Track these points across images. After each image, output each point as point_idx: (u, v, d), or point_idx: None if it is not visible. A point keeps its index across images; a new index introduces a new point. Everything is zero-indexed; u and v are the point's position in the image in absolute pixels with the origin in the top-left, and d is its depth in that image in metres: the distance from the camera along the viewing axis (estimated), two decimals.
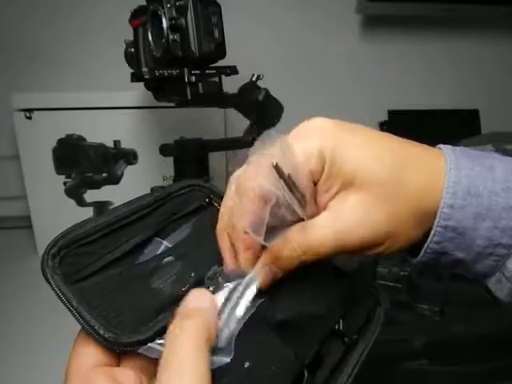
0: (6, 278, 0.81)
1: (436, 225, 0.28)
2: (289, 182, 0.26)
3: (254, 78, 0.69)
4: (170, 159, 0.74)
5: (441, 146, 0.30)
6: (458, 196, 0.28)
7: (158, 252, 0.32)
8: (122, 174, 0.88)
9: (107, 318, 0.26)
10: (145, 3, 0.61)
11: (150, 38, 0.60)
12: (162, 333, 0.26)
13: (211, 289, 0.29)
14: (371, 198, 0.28)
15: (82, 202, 0.88)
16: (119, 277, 0.29)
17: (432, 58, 1.05)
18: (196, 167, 0.73)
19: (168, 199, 0.35)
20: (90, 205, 0.88)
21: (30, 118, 0.83)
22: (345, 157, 0.28)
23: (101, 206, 0.88)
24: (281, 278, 0.29)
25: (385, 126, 1.03)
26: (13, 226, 0.95)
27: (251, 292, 0.28)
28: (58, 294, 0.26)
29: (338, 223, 0.28)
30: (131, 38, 0.64)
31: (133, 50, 0.65)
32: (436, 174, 0.28)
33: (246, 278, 0.28)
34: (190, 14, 0.57)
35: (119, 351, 0.26)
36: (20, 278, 0.81)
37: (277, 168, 0.26)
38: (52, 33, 0.89)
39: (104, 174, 0.87)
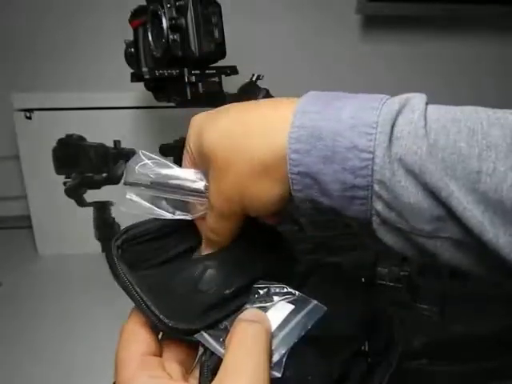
0: (6, 277, 0.81)
1: (289, 172, 0.28)
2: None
3: (254, 78, 0.68)
4: (170, 159, 0.74)
5: (309, 92, 0.30)
6: (302, 140, 0.27)
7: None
8: (122, 174, 0.88)
9: (166, 306, 0.28)
10: (145, 3, 0.61)
11: (150, 37, 0.60)
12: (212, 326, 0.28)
13: (258, 303, 0.30)
14: (216, 170, 0.30)
15: (82, 202, 0.88)
16: (171, 275, 0.31)
17: (432, 58, 1.05)
18: None
19: None
20: (90, 205, 0.88)
21: (29, 118, 0.83)
22: (202, 141, 0.31)
23: (101, 206, 0.88)
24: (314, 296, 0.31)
25: None
26: (13, 226, 0.95)
27: (309, 324, 0.28)
28: (122, 280, 0.28)
29: (209, 202, 0.31)
30: (131, 37, 0.64)
31: (133, 50, 0.65)
32: (283, 122, 0.28)
33: (310, 306, 0.29)
34: (190, 14, 0.57)
35: (165, 343, 0.28)
36: (20, 277, 0.81)
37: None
38: (52, 33, 0.89)
39: (104, 174, 0.87)
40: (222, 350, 0.27)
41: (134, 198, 0.32)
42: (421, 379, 0.57)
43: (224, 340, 0.27)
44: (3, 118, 0.86)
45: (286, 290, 0.31)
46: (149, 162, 0.32)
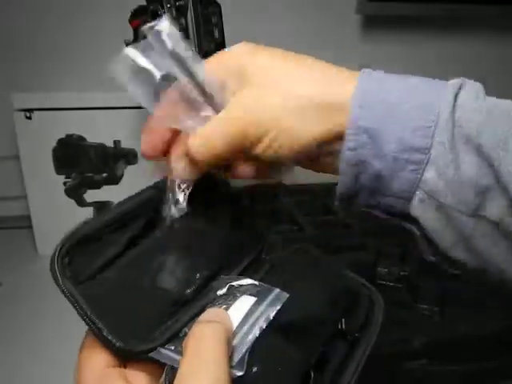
0: (6, 277, 0.81)
1: (348, 127, 0.27)
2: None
3: None
4: None
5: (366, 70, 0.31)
6: (368, 97, 0.27)
7: (161, 242, 0.31)
8: (122, 174, 0.88)
9: (119, 326, 0.26)
10: (145, 3, 0.61)
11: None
12: (171, 339, 0.26)
13: (219, 301, 0.29)
14: (261, 91, 0.28)
15: (82, 202, 0.88)
16: (125, 274, 0.29)
17: (432, 58, 1.05)
18: None
19: None
20: (90, 205, 0.88)
21: (29, 118, 0.83)
22: (253, 62, 0.30)
23: (101, 206, 0.88)
24: (283, 281, 0.29)
25: None
26: (13, 226, 0.95)
27: (271, 314, 0.27)
28: (70, 300, 0.26)
29: (225, 113, 0.29)
30: (131, 37, 0.64)
31: None
32: (349, 80, 0.29)
33: (272, 295, 0.28)
34: (190, 14, 0.57)
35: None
36: (20, 277, 0.81)
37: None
38: (52, 33, 0.89)
39: (104, 174, 0.87)
40: (176, 357, 0.25)
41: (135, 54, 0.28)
42: (421, 379, 0.57)
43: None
44: (3, 118, 0.86)
45: (247, 282, 0.29)
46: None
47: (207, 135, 0.29)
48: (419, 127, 0.27)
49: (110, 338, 0.25)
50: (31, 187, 0.86)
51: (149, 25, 0.27)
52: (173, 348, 0.26)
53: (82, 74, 0.91)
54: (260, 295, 0.28)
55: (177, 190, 0.31)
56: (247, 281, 0.30)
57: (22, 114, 0.82)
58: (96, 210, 0.88)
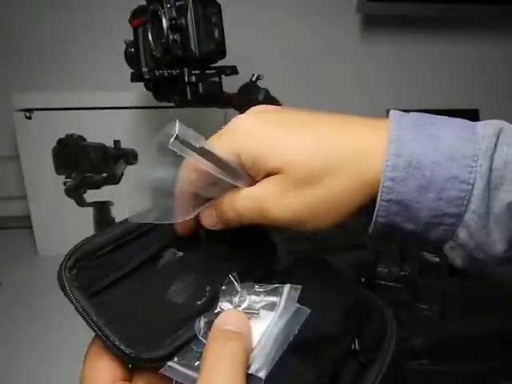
0: (6, 278, 0.81)
1: (379, 199, 0.28)
2: (217, 160, 0.28)
3: (253, 78, 0.69)
4: None
5: (391, 113, 0.29)
6: (399, 169, 0.27)
7: (172, 263, 0.31)
8: (122, 174, 0.88)
9: (127, 333, 0.25)
10: (145, 3, 0.61)
11: (150, 38, 0.60)
12: (180, 348, 0.26)
13: (238, 305, 0.28)
14: (292, 182, 0.28)
15: (82, 202, 0.88)
16: (136, 289, 0.29)
17: (432, 58, 1.05)
18: None
19: None
20: (90, 205, 0.88)
21: (29, 118, 0.83)
22: (270, 151, 0.29)
23: (101, 206, 0.88)
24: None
25: None
26: (13, 226, 0.95)
27: (296, 329, 0.27)
28: (77, 309, 0.26)
29: (259, 196, 0.29)
30: (131, 37, 0.64)
31: (133, 50, 0.65)
32: (376, 149, 0.28)
33: (292, 311, 0.27)
34: (190, 14, 0.57)
35: (135, 366, 0.26)
36: (20, 277, 0.81)
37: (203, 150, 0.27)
38: (52, 33, 0.89)
39: (104, 174, 0.87)
40: (194, 375, 0.24)
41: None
42: (421, 379, 0.57)
43: (197, 361, 0.25)
44: (3, 118, 0.86)
45: (267, 288, 0.29)
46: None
47: (235, 207, 0.30)
48: (453, 197, 0.27)
49: (117, 343, 0.25)
50: (31, 187, 0.86)
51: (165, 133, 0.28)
52: (186, 363, 0.25)
53: (82, 74, 0.91)
54: (280, 309, 0.27)
55: None
56: (266, 287, 0.29)
57: (22, 114, 0.82)
58: (96, 210, 0.88)
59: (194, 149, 0.27)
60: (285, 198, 0.29)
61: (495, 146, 0.27)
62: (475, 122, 0.29)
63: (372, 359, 0.30)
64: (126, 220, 0.31)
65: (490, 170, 0.27)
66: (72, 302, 0.26)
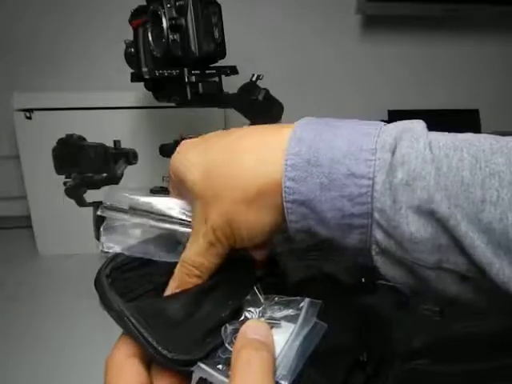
0: (6, 277, 0.81)
1: (284, 201, 0.27)
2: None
3: (253, 78, 0.68)
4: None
5: (301, 119, 0.29)
6: (298, 167, 0.26)
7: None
8: (122, 174, 0.88)
9: (162, 337, 0.26)
10: (145, 3, 0.61)
11: (150, 38, 0.60)
12: (209, 354, 0.27)
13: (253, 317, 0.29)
14: (204, 199, 0.29)
15: (82, 202, 0.88)
16: (164, 301, 0.30)
17: (432, 58, 1.05)
18: None
19: None
20: (90, 205, 0.88)
21: (30, 117, 0.83)
22: (187, 174, 0.30)
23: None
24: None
25: None
26: (13, 226, 0.95)
27: (312, 347, 0.27)
28: (117, 310, 0.27)
29: (193, 231, 0.31)
30: (131, 38, 0.64)
31: (133, 49, 0.65)
32: (277, 149, 0.28)
33: (311, 326, 0.28)
34: (190, 14, 0.57)
35: (159, 370, 0.27)
36: (20, 277, 0.81)
37: None
38: (52, 33, 0.89)
39: (104, 174, 0.87)
40: (222, 378, 0.25)
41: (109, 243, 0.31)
42: (421, 379, 0.57)
43: (223, 366, 0.26)
44: (3, 118, 0.86)
45: (287, 300, 0.30)
46: (126, 194, 0.32)
47: (191, 260, 0.30)
48: (355, 195, 0.25)
49: (159, 348, 0.26)
50: (31, 187, 0.86)
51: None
52: (214, 366, 0.26)
53: (82, 74, 0.91)
54: (299, 322, 0.28)
55: None
56: (285, 298, 0.30)
57: (22, 114, 0.82)
58: (96, 210, 0.88)
59: (124, 210, 0.30)
60: (206, 216, 0.29)
61: (399, 138, 0.25)
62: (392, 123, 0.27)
63: (378, 371, 0.31)
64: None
65: (391, 163, 0.25)
66: (111, 304, 0.27)
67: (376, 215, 0.25)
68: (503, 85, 1.08)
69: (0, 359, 0.63)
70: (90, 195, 0.88)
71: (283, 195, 0.27)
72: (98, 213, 0.29)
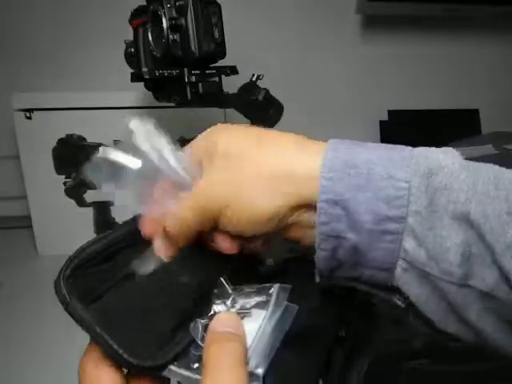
0: (6, 277, 0.81)
1: (318, 201, 0.27)
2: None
3: (253, 78, 0.69)
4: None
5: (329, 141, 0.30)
6: (336, 169, 0.27)
7: (164, 266, 0.31)
8: None
9: (128, 341, 0.26)
10: (145, 3, 0.61)
11: (150, 37, 0.60)
12: (180, 353, 0.26)
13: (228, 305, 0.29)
14: (216, 168, 0.29)
15: (82, 202, 0.88)
16: (130, 296, 0.29)
17: (432, 58, 1.05)
18: None
19: None
20: (90, 205, 0.88)
21: (30, 117, 0.83)
22: (220, 140, 0.31)
23: (101, 206, 0.88)
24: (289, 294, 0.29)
25: (385, 126, 1.03)
26: (13, 226, 0.95)
27: (284, 331, 0.27)
28: (78, 319, 0.26)
29: (193, 189, 0.30)
30: (131, 38, 0.64)
31: (133, 49, 0.65)
32: (318, 152, 0.28)
33: (282, 309, 0.28)
34: (190, 14, 0.57)
35: (132, 373, 0.26)
36: (20, 277, 0.81)
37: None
38: (52, 33, 0.89)
39: None
40: (196, 377, 0.25)
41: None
42: (421, 379, 0.57)
43: (197, 363, 0.26)
44: (3, 118, 0.86)
45: (257, 288, 0.29)
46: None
47: (179, 211, 0.29)
48: (392, 197, 0.26)
49: (121, 352, 0.25)
50: (31, 187, 0.86)
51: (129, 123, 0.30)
52: (186, 366, 0.26)
53: (82, 74, 0.91)
54: (270, 308, 0.28)
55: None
56: (255, 287, 0.29)
57: (22, 113, 0.82)
58: (96, 210, 0.88)
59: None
60: (207, 184, 0.29)
61: (432, 152, 0.27)
62: None
63: (358, 345, 0.31)
64: (125, 223, 0.32)
65: (429, 167, 0.26)
66: (73, 314, 0.26)
67: (410, 219, 0.25)
68: (503, 85, 1.08)
69: (0, 359, 0.64)
70: (90, 195, 0.88)
71: (318, 195, 0.27)
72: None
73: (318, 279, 0.30)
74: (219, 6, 0.60)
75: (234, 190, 0.28)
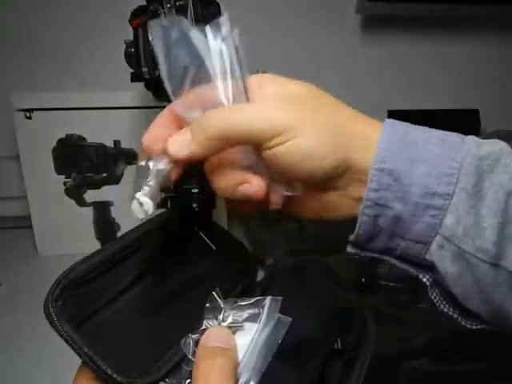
0: (6, 277, 0.81)
1: (372, 168, 0.27)
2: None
3: None
4: None
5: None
6: (394, 142, 0.28)
7: (158, 284, 0.32)
8: (122, 174, 0.88)
9: (118, 360, 0.26)
10: (145, 3, 0.61)
11: (150, 37, 0.60)
12: (172, 369, 0.26)
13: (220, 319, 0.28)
14: (291, 100, 0.29)
15: (82, 202, 0.88)
16: (123, 312, 0.29)
17: (432, 58, 1.05)
18: (195, 167, 0.73)
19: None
20: (90, 205, 0.88)
21: (29, 117, 0.83)
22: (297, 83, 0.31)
23: (101, 206, 0.88)
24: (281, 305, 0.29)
25: None
26: (13, 226, 0.95)
27: (279, 339, 0.27)
28: (67, 341, 0.26)
29: (238, 106, 0.29)
30: (131, 37, 0.64)
31: (133, 49, 0.65)
32: (376, 123, 0.29)
33: (274, 322, 0.28)
34: (190, 14, 0.57)
35: None
36: (20, 277, 0.81)
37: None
38: (52, 33, 0.89)
39: (104, 174, 0.87)
40: None
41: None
42: (421, 379, 0.57)
43: (189, 380, 0.26)
44: (3, 118, 0.86)
45: (249, 302, 0.29)
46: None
47: (209, 118, 0.29)
48: (443, 174, 0.27)
49: (110, 373, 0.25)
50: (31, 187, 0.86)
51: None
52: (177, 382, 0.26)
53: (82, 74, 0.91)
54: (262, 321, 0.28)
55: (152, 175, 0.30)
56: (247, 301, 0.29)
57: (22, 113, 0.82)
58: (96, 210, 0.88)
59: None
60: (270, 106, 0.29)
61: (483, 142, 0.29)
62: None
63: (354, 357, 0.31)
64: (113, 243, 0.32)
65: (478, 152, 0.27)
66: (62, 335, 0.26)
67: (455, 197, 0.27)
68: (503, 85, 1.08)
69: (0, 359, 0.64)
70: (90, 195, 0.88)
71: (373, 163, 0.27)
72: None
73: (350, 249, 0.31)
74: (219, 6, 0.60)
75: (311, 122, 0.28)
